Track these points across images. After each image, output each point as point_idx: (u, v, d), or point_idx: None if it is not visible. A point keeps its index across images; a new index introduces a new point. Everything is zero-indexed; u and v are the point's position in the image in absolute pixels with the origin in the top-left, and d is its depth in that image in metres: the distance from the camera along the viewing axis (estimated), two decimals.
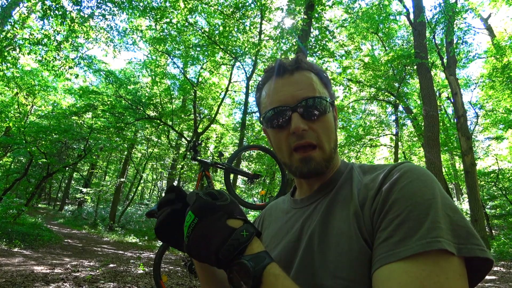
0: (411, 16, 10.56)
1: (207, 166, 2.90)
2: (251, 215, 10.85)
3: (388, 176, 0.54)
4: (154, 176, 26.48)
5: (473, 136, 12.97)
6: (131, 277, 5.15)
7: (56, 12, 7.94)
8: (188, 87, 14.21)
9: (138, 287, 4.55)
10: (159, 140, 18.66)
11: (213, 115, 15.22)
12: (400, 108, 14.39)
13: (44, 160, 11.14)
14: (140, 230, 16.31)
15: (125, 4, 9.24)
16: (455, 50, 10.77)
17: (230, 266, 0.47)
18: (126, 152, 19.06)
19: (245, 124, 12.74)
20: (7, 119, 11.09)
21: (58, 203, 26.51)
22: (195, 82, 14.60)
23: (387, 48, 14.91)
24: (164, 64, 15.19)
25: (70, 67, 10.06)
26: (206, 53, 12.79)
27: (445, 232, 0.44)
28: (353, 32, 14.10)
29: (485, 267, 0.46)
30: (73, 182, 28.35)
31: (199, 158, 2.89)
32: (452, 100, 11.38)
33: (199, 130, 14.68)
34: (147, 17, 10.88)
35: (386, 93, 14.20)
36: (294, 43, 7.82)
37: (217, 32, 11.76)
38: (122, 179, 18.06)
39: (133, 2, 9.43)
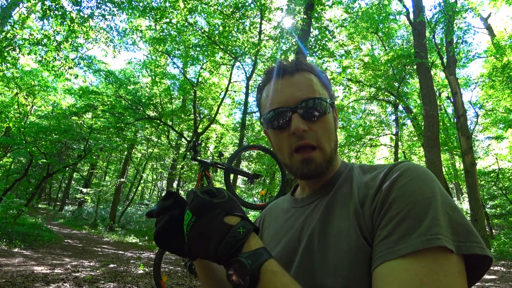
0: (411, 16, 10.56)
1: (207, 166, 2.90)
2: (251, 215, 10.85)
3: (388, 175, 0.55)
4: (154, 176, 26.47)
5: (473, 136, 12.96)
6: (131, 277, 5.15)
7: (56, 12, 7.93)
8: (188, 87, 14.21)
9: (138, 287, 4.55)
10: (159, 140, 18.65)
11: (213, 115, 15.22)
12: (400, 107, 14.39)
13: (44, 160, 11.13)
14: (140, 230, 16.31)
15: (125, 4, 9.24)
16: (455, 49, 10.77)
17: (228, 263, 0.47)
18: (126, 152, 19.07)
19: (245, 124, 12.73)
20: (7, 119, 11.10)
21: (58, 203, 26.53)
22: (195, 82, 14.59)
23: (387, 47, 14.91)
24: (164, 64, 15.18)
25: (70, 67, 10.06)
26: (206, 53, 12.77)
27: (444, 229, 0.44)
28: (353, 32, 14.10)
29: (484, 265, 0.46)
30: (73, 182, 28.37)
31: (199, 158, 2.89)
32: (452, 100, 11.38)
33: (199, 130, 14.68)
34: (147, 17, 10.87)
35: (386, 93, 14.20)
36: (294, 43, 7.81)
37: (217, 32, 11.75)
38: (122, 179, 18.06)
39: (133, 2, 9.43)
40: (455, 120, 11.27)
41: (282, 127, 0.64)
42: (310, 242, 0.58)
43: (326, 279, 0.51)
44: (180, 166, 14.49)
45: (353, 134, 15.44)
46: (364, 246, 0.50)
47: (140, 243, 11.80)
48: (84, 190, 20.12)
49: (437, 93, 14.86)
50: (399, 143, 15.67)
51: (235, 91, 17.26)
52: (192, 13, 11.12)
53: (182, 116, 16.04)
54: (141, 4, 9.84)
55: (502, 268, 7.58)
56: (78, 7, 8.54)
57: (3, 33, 8.40)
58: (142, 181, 23.37)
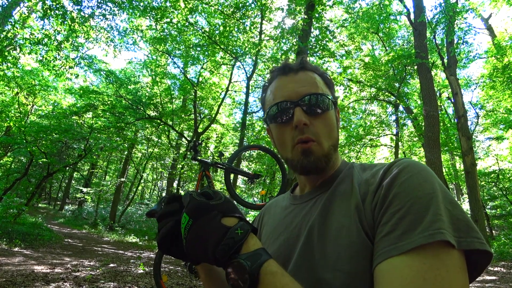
0: (412, 16, 10.54)
1: (207, 166, 2.90)
2: (251, 215, 10.85)
3: (389, 171, 0.55)
4: (155, 176, 26.49)
5: (473, 136, 12.95)
6: (131, 277, 5.15)
7: (57, 12, 7.95)
8: (189, 87, 14.23)
9: (138, 287, 4.55)
10: (159, 140, 18.67)
11: (213, 115, 15.23)
12: (401, 108, 14.37)
13: (44, 159, 11.15)
14: (140, 230, 16.34)
15: (125, 4, 9.25)
16: (456, 50, 10.75)
17: (227, 265, 0.46)
18: (126, 152, 19.10)
19: (246, 124, 12.74)
20: (7, 119, 11.12)
21: (58, 202, 26.54)
22: (196, 82, 14.60)
23: (387, 48, 14.90)
24: (164, 64, 15.20)
25: (70, 67, 10.07)
26: (206, 53, 12.80)
27: (446, 224, 0.44)
28: (354, 32, 14.10)
29: (484, 260, 0.46)
30: (73, 182, 28.37)
31: (199, 158, 2.89)
32: (452, 100, 11.37)
33: (199, 130, 14.69)
34: (147, 17, 10.88)
35: (386, 93, 14.18)
36: (294, 43, 7.80)
37: (217, 32, 11.76)
38: (122, 179, 18.09)
39: (133, 2, 9.44)
40: (456, 120, 11.25)
41: (285, 121, 0.65)
42: (309, 237, 0.58)
43: (326, 273, 0.51)
44: (181, 166, 14.50)
45: (354, 134, 15.43)
46: (365, 242, 0.50)
47: (140, 243, 11.81)
48: (84, 189, 20.15)
49: (438, 94, 14.83)
50: (400, 143, 15.64)
51: (235, 91, 17.29)
52: (192, 13, 11.13)
53: (183, 116, 16.06)
54: (141, 3, 9.85)
55: (502, 269, 7.57)
56: (78, 7, 8.55)
57: (4, 33, 8.41)
58: (142, 181, 23.40)
